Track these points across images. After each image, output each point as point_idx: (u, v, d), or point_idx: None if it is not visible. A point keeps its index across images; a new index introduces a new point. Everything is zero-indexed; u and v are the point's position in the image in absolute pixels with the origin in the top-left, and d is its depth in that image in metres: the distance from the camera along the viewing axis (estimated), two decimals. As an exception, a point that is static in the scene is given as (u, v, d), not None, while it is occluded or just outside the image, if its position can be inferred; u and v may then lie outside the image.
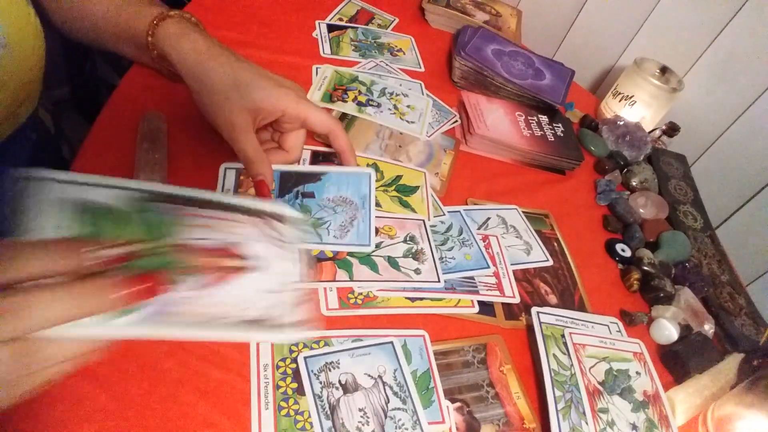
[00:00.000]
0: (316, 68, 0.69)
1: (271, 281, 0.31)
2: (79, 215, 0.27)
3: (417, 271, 0.50)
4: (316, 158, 0.56)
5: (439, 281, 0.50)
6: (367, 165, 0.57)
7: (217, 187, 0.49)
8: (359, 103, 0.66)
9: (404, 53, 0.80)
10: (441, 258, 0.52)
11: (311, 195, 0.50)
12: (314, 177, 0.52)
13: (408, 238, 0.53)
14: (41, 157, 0.58)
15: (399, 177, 0.59)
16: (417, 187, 0.58)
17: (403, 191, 0.57)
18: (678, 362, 0.54)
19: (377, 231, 0.52)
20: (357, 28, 0.80)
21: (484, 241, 0.56)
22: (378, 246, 0.51)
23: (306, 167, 0.54)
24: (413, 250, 0.52)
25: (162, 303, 0.26)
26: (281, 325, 0.30)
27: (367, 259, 0.49)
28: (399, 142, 0.64)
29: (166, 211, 0.29)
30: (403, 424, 0.39)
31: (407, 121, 0.67)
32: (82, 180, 0.29)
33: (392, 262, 0.50)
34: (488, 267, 0.53)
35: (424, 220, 0.55)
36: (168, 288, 0.26)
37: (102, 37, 0.56)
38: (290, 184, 0.51)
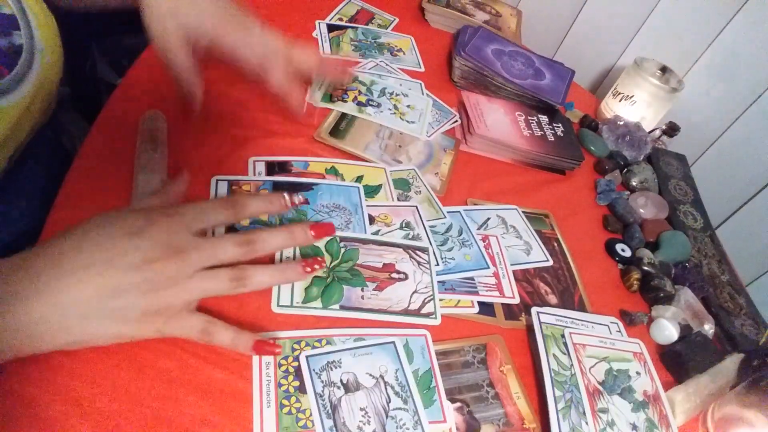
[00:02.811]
0: (316, 68, 0.69)
1: (413, 286, 0.48)
2: (303, 254, 0.47)
3: None
4: (272, 168, 0.54)
5: (437, 263, 0.51)
6: (326, 169, 0.56)
7: (210, 196, 0.49)
8: (359, 103, 0.66)
9: (404, 53, 0.80)
10: (441, 258, 0.52)
11: (305, 201, 0.51)
12: (306, 186, 0.53)
13: (404, 225, 0.53)
14: (54, 151, 0.58)
15: (360, 178, 0.58)
16: (380, 186, 0.57)
17: (367, 192, 0.56)
18: (678, 362, 0.54)
19: (373, 219, 0.53)
20: (357, 28, 0.80)
21: (483, 242, 0.56)
22: (376, 234, 0.51)
23: (298, 179, 0.54)
24: (410, 236, 0.52)
25: (354, 299, 0.46)
26: (419, 315, 0.47)
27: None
28: (399, 141, 0.64)
29: (349, 246, 0.49)
30: (404, 424, 0.39)
31: (407, 121, 0.67)
32: None
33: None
34: (488, 267, 0.53)
35: (416, 206, 0.56)
36: (323, 264, 0.45)
37: None
38: (283, 192, 0.51)
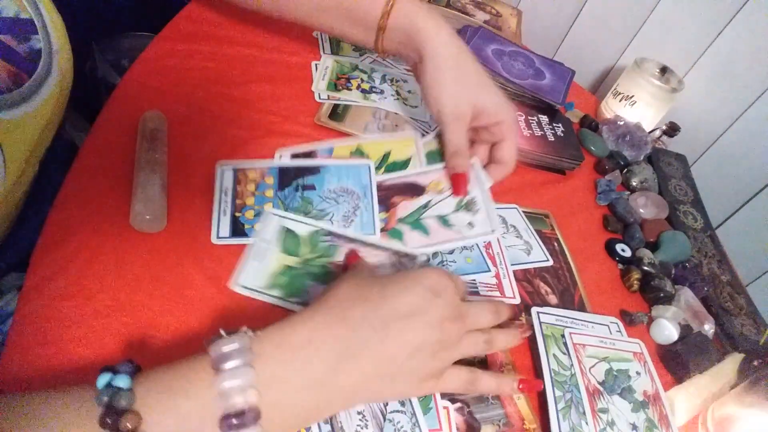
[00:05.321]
0: (315, 64, 0.69)
1: None
2: (283, 238, 0.46)
3: (470, 225, 0.49)
4: (297, 158, 0.54)
5: (492, 231, 0.49)
6: (350, 152, 0.55)
7: (215, 186, 0.49)
8: (363, 91, 0.67)
9: (404, 53, 0.79)
10: (442, 262, 0.52)
11: (312, 187, 0.50)
12: (313, 170, 0.52)
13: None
14: (70, 151, 0.59)
15: (387, 155, 0.56)
16: (409, 159, 0.56)
17: (393, 169, 0.55)
18: (678, 362, 0.54)
19: (424, 189, 0.52)
20: (357, 27, 0.80)
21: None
22: (426, 206, 0.50)
23: (304, 161, 0.53)
24: (464, 202, 0.50)
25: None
26: None
27: (417, 224, 0.49)
28: (395, 121, 0.65)
29: (331, 241, 0.47)
30: (402, 427, 0.39)
31: (410, 106, 0.68)
32: (291, 217, 0.48)
33: (443, 220, 0.49)
34: (489, 270, 0.53)
35: (474, 164, 0.54)
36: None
37: (319, 17, 0.57)
38: (290, 178, 0.51)
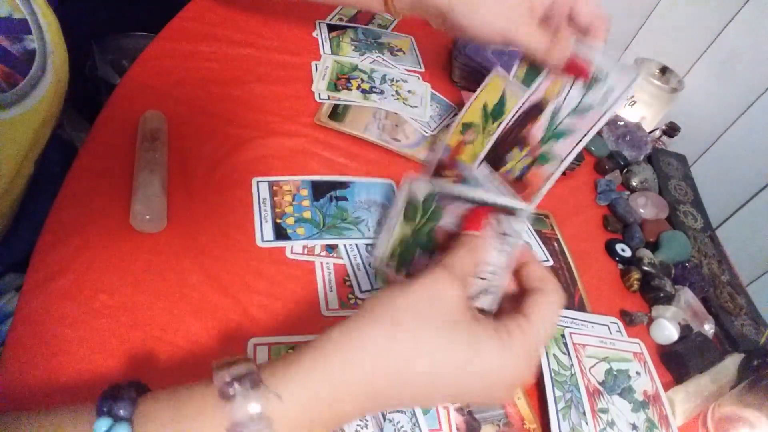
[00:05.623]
0: (315, 64, 0.69)
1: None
2: (407, 206, 0.42)
3: (606, 95, 0.45)
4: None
5: (634, 79, 0.45)
6: (461, 132, 0.52)
7: (253, 200, 0.50)
8: (363, 91, 0.67)
9: (404, 53, 0.79)
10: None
11: (344, 198, 0.53)
12: (344, 184, 0.55)
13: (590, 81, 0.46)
14: (67, 150, 0.59)
15: (485, 108, 0.53)
16: (503, 96, 0.53)
17: (500, 115, 0.51)
18: (678, 362, 0.54)
19: (542, 104, 0.48)
20: (357, 28, 0.80)
21: (484, 241, 0.56)
22: (555, 113, 0.47)
23: (334, 177, 0.56)
24: (587, 83, 0.45)
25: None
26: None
27: (558, 133, 0.46)
28: (395, 121, 0.65)
29: (439, 202, 0.40)
30: (402, 427, 0.39)
31: (410, 106, 0.68)
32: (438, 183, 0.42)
33: (578, 111, 0.46)
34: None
35: (571, 44, 0.47)
36: None
37: None
38: (323, 190, 0.54)
